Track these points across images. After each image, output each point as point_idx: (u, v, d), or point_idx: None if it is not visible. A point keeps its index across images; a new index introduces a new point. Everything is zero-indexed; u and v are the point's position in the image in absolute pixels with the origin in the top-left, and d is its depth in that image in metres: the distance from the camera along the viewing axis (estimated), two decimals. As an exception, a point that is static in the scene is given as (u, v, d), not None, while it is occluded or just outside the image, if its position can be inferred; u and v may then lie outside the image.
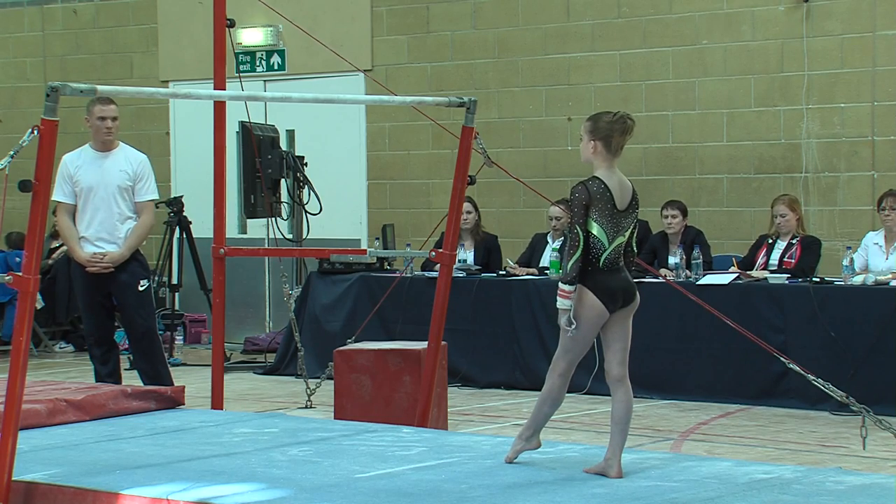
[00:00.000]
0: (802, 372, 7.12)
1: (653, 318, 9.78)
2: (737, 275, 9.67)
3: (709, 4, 11.52)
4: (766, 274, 9.68)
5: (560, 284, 5.45)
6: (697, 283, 9.59)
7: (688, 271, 9.86)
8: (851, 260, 9.39)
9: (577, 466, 5.53)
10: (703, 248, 10.14)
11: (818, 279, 9.47)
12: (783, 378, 8.97)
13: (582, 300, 5.46)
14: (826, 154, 11.10)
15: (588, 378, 9.92)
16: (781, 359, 7.23)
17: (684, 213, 10.45)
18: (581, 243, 5.38)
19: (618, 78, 11.97)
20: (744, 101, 11.41)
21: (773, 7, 11.27)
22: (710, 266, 10.08)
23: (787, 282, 9.49)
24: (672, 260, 10.12)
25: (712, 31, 11.52)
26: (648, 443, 7.99)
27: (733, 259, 10.13)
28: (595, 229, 5.43)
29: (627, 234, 5.54)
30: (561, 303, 5.46)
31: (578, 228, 5.39)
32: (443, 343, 7.34)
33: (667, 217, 10.41)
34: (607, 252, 5.45)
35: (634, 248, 5.69)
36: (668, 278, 9.38)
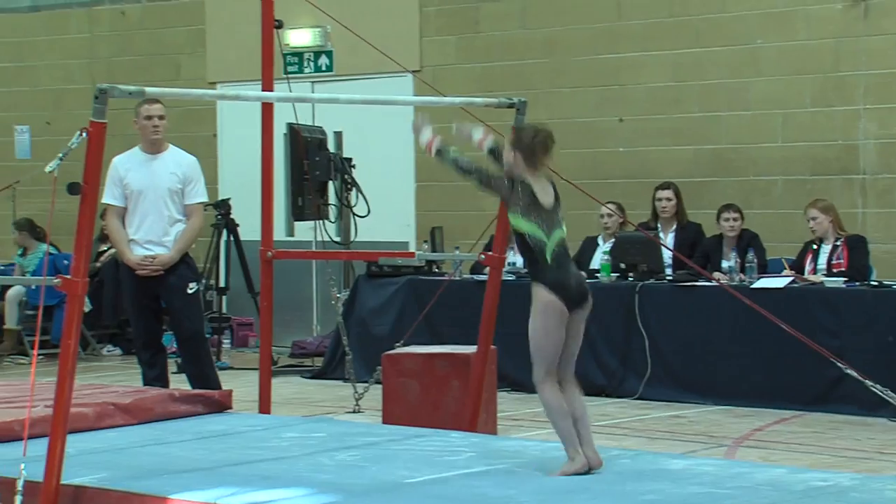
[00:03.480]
0: (859, 377, 7.05)
1: (706, 322, 9.76)
2: (792, 278, 9.61)
3: (763, 3, 11.46)
4: (821, 277, 9.62)
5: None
6: (752, 286, 9.53)
7: (742, 275, 9.81)
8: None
9: (629, 472, 5.51)
10: (758, 251, 10.08)
11: (876, 283, 9.40)
12: (839, 383, 8.88)
13: (540, 300, 5.55)
14: (884, 155, 11.01)
15: (639, 384, 9.90)
16: (838, 364, 7.17)
17: (742, 216, 10.40)
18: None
19: (669, 78, 11.92)
20: (799, 102, 11.34)
21: (829, 5, 11.19)
22: (764, 269, 10.02)
23: (843, 285, 9.43)
24: (725, 263, 10.06)
25: (766, 30, 11.45)
26: (701, 449, 7.95)
27: (784, 262, 10.06)
28: (529, 227, 5.52)
29: (564, 228, 5.65)
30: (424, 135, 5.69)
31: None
32: (492, 347, 7.34)
33: (727, 220, 10.34)
34: (549, 246, 5.55)
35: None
36: (721, 282, 9.33)
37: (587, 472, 5.46)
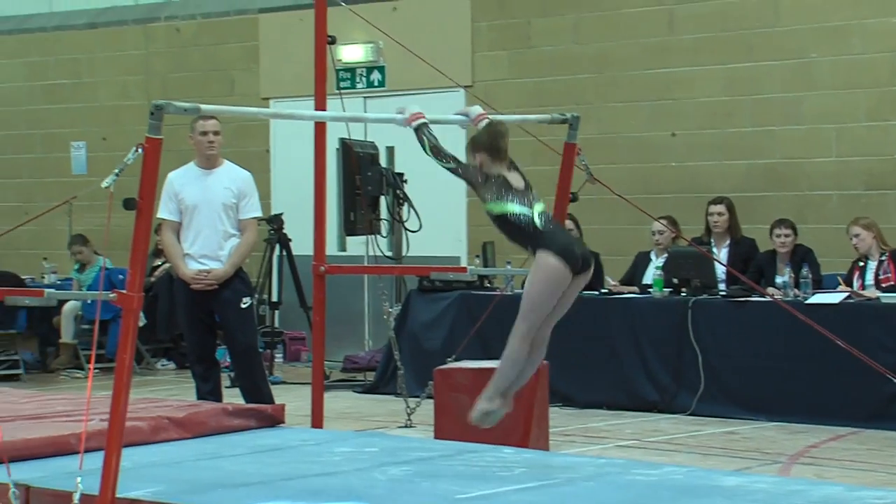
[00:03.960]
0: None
1: (760, 338, 9.70)
2: (847, 294, 9.54)
3: (817, 17, 11.40)
4: (877, 293, 9.55)
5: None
6: (806, 302, 9.47)
7: (796, 290, 9.76)
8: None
9: (681, 489, 5.47)
10: (813, 266, 10.02)
11: (930, 298, 9.34)
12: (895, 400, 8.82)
13: (546, 264, 5.55)
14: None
15: (692, 400, 9.86)
16: (894, 380, 7.11)
17: (795, 231, 10.34)
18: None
19: (722, 92, 11.88)
20: (853, 116, 11.27)
21: (884, 19, 11.12)
22: (819, 285, 9.96)
23: (897, 301, 9.37)
24: (779, 279, 10.01)
25: (820, 43, 11.39)
26: (756, 465, 7.90)
27: (839, 278, 10.00)
28: (509, 207, 5.58)
29: (542, 204, 5.68)
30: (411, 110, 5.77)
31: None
32: (544, 362, 7.32)
33: (779, 236, 10.29)
34: (537, 216, 5.60)
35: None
36: (775, 297, 9.27)
37: (496, 413, 5.75)
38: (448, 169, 5.75)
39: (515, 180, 5.70)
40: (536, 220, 5.60)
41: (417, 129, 5.81)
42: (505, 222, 5.62)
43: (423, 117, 5.83)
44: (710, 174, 11.81)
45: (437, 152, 5.73)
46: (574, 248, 5.64)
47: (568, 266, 5.56)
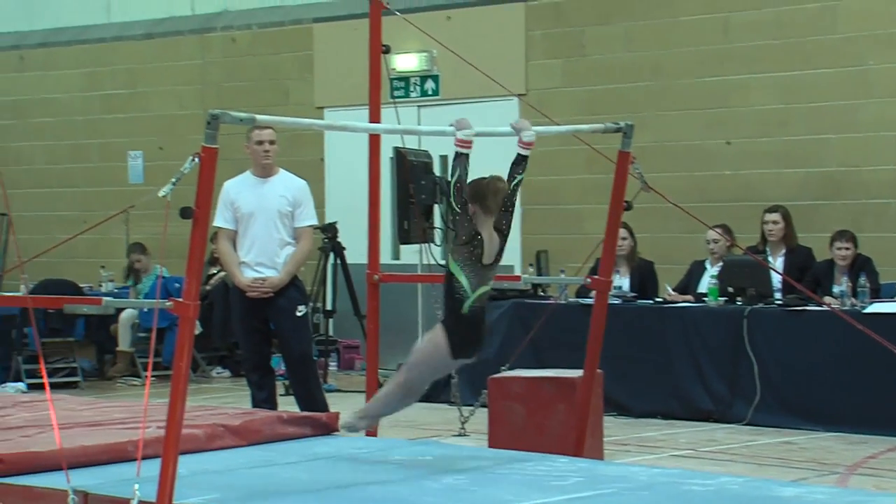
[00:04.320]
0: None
1: (817, 347, 9.63)
2: (905, 303, 9.46)
3: (873, 24, 11.32)
4: (937, 302, 9.47)
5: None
6: (864, 311, 9.39)
7: (853, 299, 9.68)
8: None
9: (738, 500, 5.43)
10: (871, 275, 9.93)
11: None
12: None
13: (434, 336, 5.84)
14: None
15: (748, 409, 9.80)
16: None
17: (855, 243, 10.25)
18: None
19: (777, 100, 11.82)
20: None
21: (942, 26, 11.04)
22: (877, 294, 9.88)
23: (957, 311, 9.27)
24: (837, 288, 9.93)
25: (877, 51, 11.31)
26: (813, 476, 7.84)
27: (898, 287, 9.94)
28: (459, 276, 5.73)
29: (490, 286, 5.86)
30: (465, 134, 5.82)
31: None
32: (598, 371, 7.30)
33: (840, 249, 10.20)
34: (471, 300, 5.77)
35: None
36: (832, 306, 9.20)
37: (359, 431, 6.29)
38: (449, 207, 5.80)
39: (490, 249, 5.78)
40: (467, 302, 5.77)
41: (458, 156, 5.82)
42: (448, 281, 5.78)
43: (470, 147, 5.84)
44: (765, 182, 11.74)
45: (458, 190, 5.76)
46: (466, 339, 5.85)
47: (451, 352, 5.83)
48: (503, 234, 5.87)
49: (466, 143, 5.86)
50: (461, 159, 5.84)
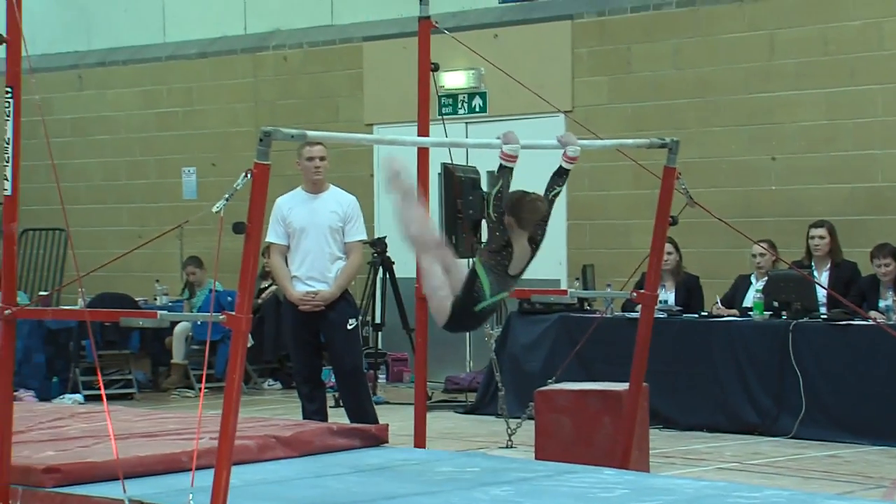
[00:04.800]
0: None
1: (862, 361, 9.55)
2: (950, 318, 9.38)
3: (919, 40, 11.26)
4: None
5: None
6: (909, 325, 9.32)
7: (898, 314, 9.61)
8: None
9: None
10: (916, 290, 9.87)
11: None
12: None
13: (442, 302, 5.81)
14: None
15: (794, 423, 9.74)
16: None
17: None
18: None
19: (823, 116, 11.75)
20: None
21: None
22: (922, 309, 9.79)
23: None
24: (882, 303, 9.86)
25: (923, 67, 11.24)
26: (859, 489, 7.77)
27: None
28: (484, 279, 5.75)
29: (509, 293, 5.96)
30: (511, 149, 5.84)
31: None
32: (644, 384, 7.28)
33: (880, 266, 10.13)
34: (486, 303, 5.79)
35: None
36: (878, 321, 9.13)
37: None
38: (487, 215, 5.84)
39: (520, 262, 5.82)
40: (482, 304, 5.79)
41: (501, 169, 5.84)
42: (470, 278, 5.78)
43: (515, 161, 5.86)
44: (810, 198, 11.67)
45: (498, 201, 5.77)
46: (460, 326, 5.96)
47: (447, 322, 5.85)
48: (536, 245, 5.87)
49: (511, 158, 5.87)
50: (504, 172, 5.85)
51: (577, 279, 11.34)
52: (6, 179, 5.66)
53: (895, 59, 11.37)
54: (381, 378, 13.26)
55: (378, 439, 7.12)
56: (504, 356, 10.92)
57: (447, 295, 5.82)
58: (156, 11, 15.99)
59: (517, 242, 5.81)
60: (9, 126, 5.60)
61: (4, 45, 5.58)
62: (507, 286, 5.86)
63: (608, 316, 10.35)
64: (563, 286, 12.52)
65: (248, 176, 4.94)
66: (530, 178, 12.51)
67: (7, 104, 5.59)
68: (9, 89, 5.60)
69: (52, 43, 15.72)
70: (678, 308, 10.83)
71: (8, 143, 5.59)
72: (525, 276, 12.54)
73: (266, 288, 13.30)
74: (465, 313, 5.82)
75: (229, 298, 12.20)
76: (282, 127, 5.12)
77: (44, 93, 15.83)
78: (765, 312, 10.23)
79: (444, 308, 5.83)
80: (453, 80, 13.51)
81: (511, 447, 9.26)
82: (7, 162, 5.60)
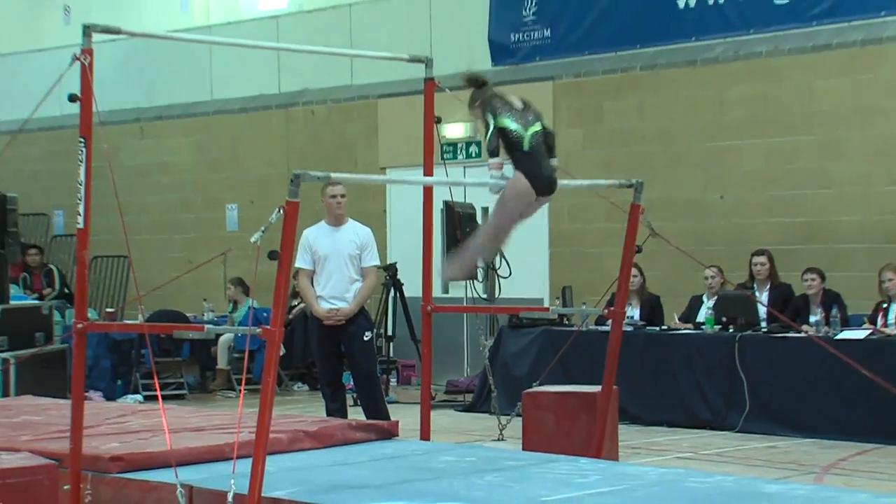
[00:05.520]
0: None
1: (797, 367, 9.55)
2: (871, 331, 9.37)
3: (846, 99, 11.28)
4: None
5: (490, 161, 5.61)
6: (836, 338, 9.31)
7: (827, 328, 9.60)
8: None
9: (732, 494, 5.37)
10: (841, 308, 9.87)
11: (945, 335, 9.13)
12: (914, 421, 8.62)
13: (515, 181, 5.55)
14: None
15: (740, 419, 9.72)
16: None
17: (822, 277, 10.20)
18: (491, 127, 5.55)
19: (763, 162, 11.77)
20: (876, 181, 11.09)
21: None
22: (846, 323, 9.80)
23: (915, 337, 9.17)
24: (813, 318, 9.87)
25: (849, 121, 11.25)
26: (794, 475, 7.76)
27: (864, 318, 9.84)
28: (509, 123, 5.55)
29: (538, 125, 5.66)
30: (493, 175, 5.62)
31: (490, 120, 5.56)
32: (614, 387, 7.26)
33: (807, 280, 10.17)
34: (527, 138, 5.57)
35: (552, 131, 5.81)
36: (809, 333, 9.13)
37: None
38: (491, 150, 5.67)
39: (514, 101, 5.67)
40: (525, 140, 5.57)
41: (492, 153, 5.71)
42: (504, 135, 5.58)
43: (501, 168, 5.73)
44: (753, 230, 11.67)
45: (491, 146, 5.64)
46: (543, 175, 5.63)
47: (533, 189, 5.58)
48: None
49: (498, 164, 5.73)
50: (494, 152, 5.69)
51: (558, 298, 11.33)
52: (79, 215, 5.66)
53: (822, 114, 11.38)
54: (393, 381, 13.23)
55: (390, 433, 7.10)
56: (496, 363, 10.91)
57: (510, 184, 5.57)
58: (204, 73, 16.03)
59: (499, 94, 5.68)
60: (81, 170, 5.61)
61: (79, 102, 5.59)
62: (528, 122, 5.64)
63: (584, 329, 10.34)
64: (546, 304, 12.50)
65: (281, 211, 4.94)
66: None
67: (81, 152, 5.60)
68: (82, 139, 5.61)
69: (117, 100, 15.78)
70: (643, 322, 10.82)
71: (81, 185, 5.59)
72: (513, 296, 12.59)
73: (295, 306, 13.29)
74: (527, 162, 5.55)
75: (265, 314, 12.21)
76: (309, 170, 5.12)
77: (111, 142, 15.79)
78: (715, 326, 10.22)
79: (518, 184, 5.55)
80: (453, 130, 13.53)
81: (502, 440, 9.23)
82: (80, 200, 5.61)
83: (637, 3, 12.44)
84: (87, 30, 5.59)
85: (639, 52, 12.54)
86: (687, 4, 12.20)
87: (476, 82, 5.81)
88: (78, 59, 5.51)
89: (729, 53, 11.97)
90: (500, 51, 13.40)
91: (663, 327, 10.68)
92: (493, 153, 5.66)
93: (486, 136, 5.68)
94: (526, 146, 5.59)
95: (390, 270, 12.75)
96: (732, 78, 11.93)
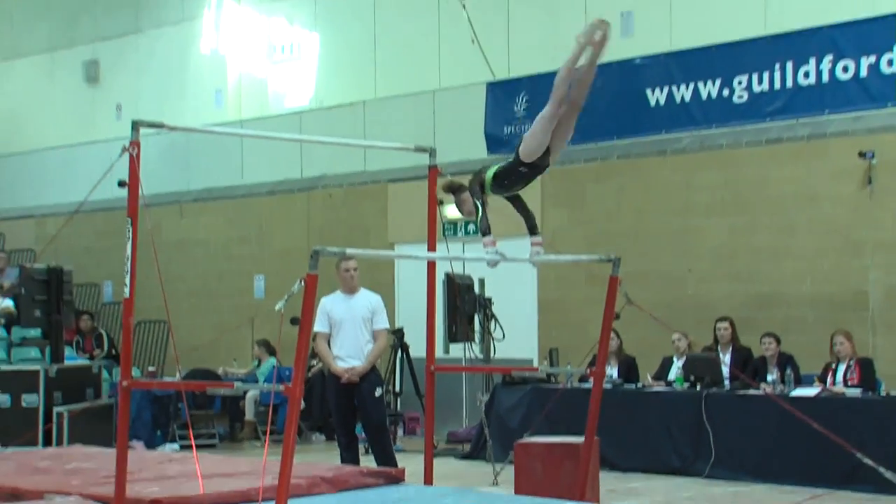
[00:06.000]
0: (874, 465, 6.78)
1: (756, 420, 9.50)
2: (821, 389, 9.34)
3: (796, 185, 11.34)
4: (843, 389, 9.33)
5: (483, 239, 5.68)
6: (790, 395, 9.28)
7: (782, 386, 9.57)
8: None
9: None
10: (794, 368, 9.84)
11: (884, 394, 9.09)
12: (859, 469, 8.52)
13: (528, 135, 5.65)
14: (888, 298, 10.71)
15: (706, 466, 9.65)
16: (857, 454, 6.91)
17: (778, 341, 10.19)
18: (480, 211, 5.65)
19: (726, 239, 11.80)
20: (823, 257, 11.11)
21: (844, 188, 11.02)
22: (799, 382, 9.76)
23: (860, 395, 9.13)
24: (770, 377, 9.85)
25: (799, 204, 11.29)
26: (754, 517, 7.68)
27: (815, 377, 9.82)
28: (493, 169, 5.72)
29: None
30: (488, 251, 5.73)
31: (478, 203, 5.67)
32: (596, 438, 7.23)
33: (764, 343, 10.16)
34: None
35: None
36: (767, 391, 9.10)
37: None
38: (484, 229, 5.74)
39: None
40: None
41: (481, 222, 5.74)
42: (502, 172, 5.78)
43: (494, 245, 5.77)
44: (717, 299, 11.68)
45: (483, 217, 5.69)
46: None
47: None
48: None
49: (491, 241, 5.76)
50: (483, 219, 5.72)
51: (546, 359, 11.31)
52: (126, 285, 5.69)
53: (776, 198, 11.45)
54: (400, 432, 13.15)
55: (397, 479, 7.07)
56: (491, 416, 10.86)
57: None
58: (236, 161, 16.15)
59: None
60: (128, 246, 5.65)
61: (127, 187, 5.66)
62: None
63: (569, 387, 10.31)
64: (536, 364, 12.47)
65: (302, 283, 4.97)
66: (514, 282, 12.34)
67: (128, 230, 5.65)
68: (129, 220, 5.66)
69: (160, 184, 15.86)
70: (620, 380, 10.78)
71: (128, 259, 5.64)
72: (505, 356, 12.53)
73: (314, 365, 13.26)
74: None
75: (287, 372, 12.18)
76: (327, 246, 5.16)
77: (154, 221, 15.92)
78: (684, 384, 10.19)
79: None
80: (454, 211, 13.42)
81: (497, 484, 9.16)
82: (127, 272, 5.64)
83: (614, 101, 12.57)
84: (136, 125, 5.67)
85: (616, 143, 12.64)
86: (658, 102, 12.32)
87: (453, 187, 5.85)
88: (127, 150, 5.58)
89: (695, 145, 12.06)
90: (494, 141, 13.51)
91: (639, 385, 10.64)
92: (486, 232, 5.70)
93: (478, 219, 5.73)
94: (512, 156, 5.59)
95: (398, 334, 12.73)
96: (698, 166, 12.01)
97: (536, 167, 5.67)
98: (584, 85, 5.59)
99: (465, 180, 6.03)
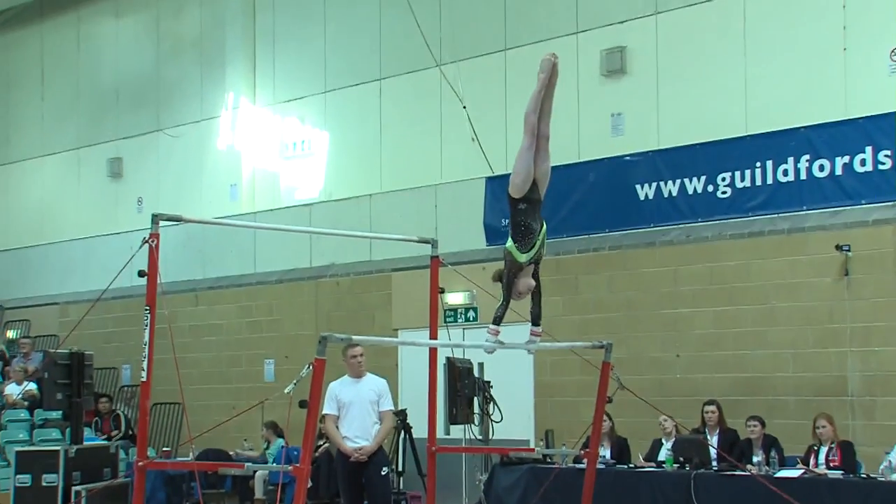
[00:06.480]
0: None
1: (743, 501, 9.38)
2: (804, 470, 9.26)
3: (776, 276, 11.37)
4: (825, 470, 9.25)
5: (490, 325, 5.87)
6: (775, 475, 9.19)
7: (767, 467, 9.49)
8: (890, 462, 8.93)
9: None
10: (778, 450, 9.76)
11: (864, 475, 9.01)
12: (843, 548, 8.45)
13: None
14: (866, 384, 10.67)
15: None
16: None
17: (762, 424, 10.13)
18: (504, 301, 5.76)
19: (712, 327, 11.79)
20: (804, 345, 11.09)
21: (822, 279, 11.04)
22: (783, 463, 9.66)
23: (841, 476, 9.05)
24: (755, 458, 9.76)
25: (780, 294, 11.32)
26: None
27: (798, 459, 9.74)
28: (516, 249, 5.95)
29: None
30: (488, 338, 5.94)
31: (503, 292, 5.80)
32: (589, 516, 7.16)
33: (749, 426, 10.10)
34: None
35: None
36: (752, 472, 9.02)
37: None
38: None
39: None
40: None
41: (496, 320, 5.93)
42: (520, 234, 5.95)
43: (497, 334, 5.85)
44: (704, 384, 11.63)
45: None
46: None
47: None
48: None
49: (495, 331, 5.82)
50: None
51: (542, 440, 11.22)
52: (143, 370, 5.71)
53: (759, 288, 11.47)
54: (402, 510, 12.99)
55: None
56: (490, 495, 10.74)
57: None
58: (249, 251, 16.23)
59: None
60: (146, 333, 5.68)
61: (146, 277, 5.71)
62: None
63: (564, 467, 10.22)
64: (532, 445, 12.37)
65: (310, 367, 4.99)
66: (511, 366, 12.29)
67: (146, 318, 5.68)
68: (147, 308, 5.70)
69: (177, 273, 15.93)
70: (613, 461, 10.68)
71: (145, 345, 5.66)
72: (503, 437, 12.46)
73: (321, 445, 13.15)
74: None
75: (295, 452, 12.08)
76: (334, 332, 5.18)
77: (170, 308, 15.91)
78: (674, 465, 10.10)
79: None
80: (454, 298, 13.61)
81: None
82: (144, 358, 5.66)
83: (605, 196, 12.69)
84: (156, 218, 5.75)
85: (607, 236, 12.71)
86: (647, 196, 12.43)
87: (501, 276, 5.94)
88: (146, 241, 5.64)
89: (682, 237, 12.14)
90: (493, 233, 13.60)
91: (630, 465, 10.54)
92: (496, 322, 5.77)
93: (498, 305, 5.80)
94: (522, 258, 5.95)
95: (401, 416, 12.65)
96: (685, 257, 12.07)
97: (531, 200, 5.79)
98: (546, 113, 5.95)
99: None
